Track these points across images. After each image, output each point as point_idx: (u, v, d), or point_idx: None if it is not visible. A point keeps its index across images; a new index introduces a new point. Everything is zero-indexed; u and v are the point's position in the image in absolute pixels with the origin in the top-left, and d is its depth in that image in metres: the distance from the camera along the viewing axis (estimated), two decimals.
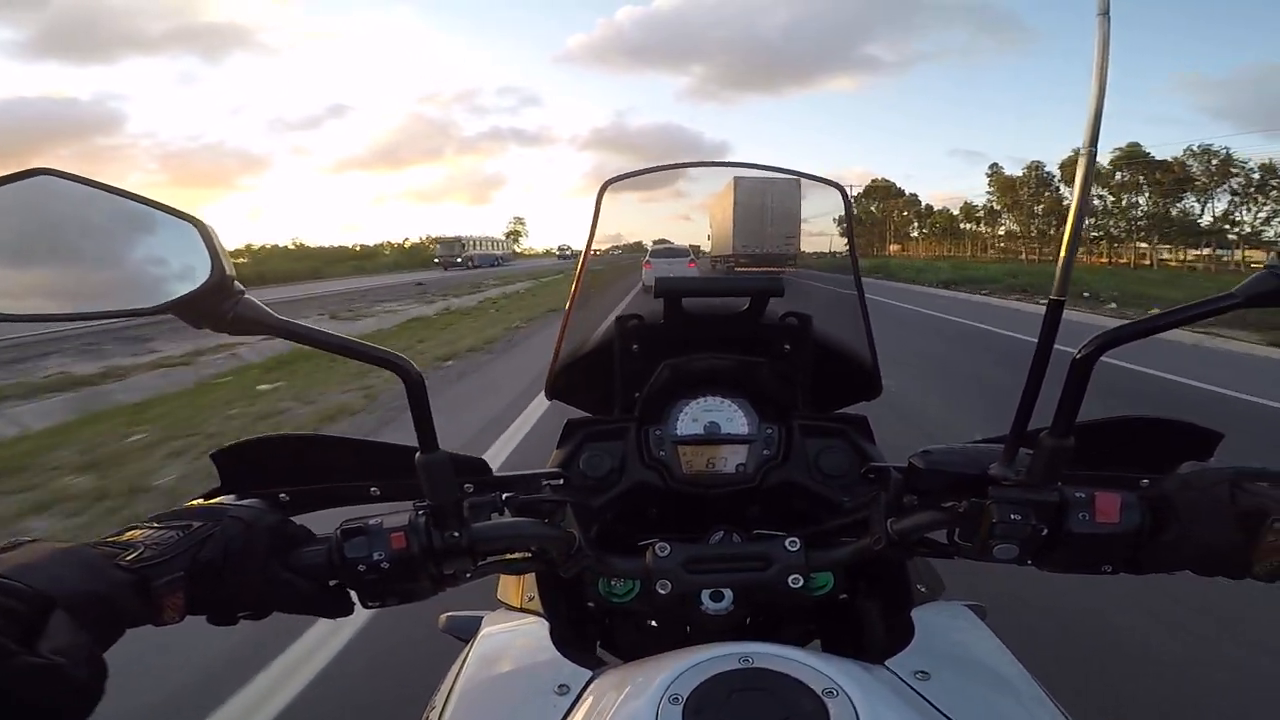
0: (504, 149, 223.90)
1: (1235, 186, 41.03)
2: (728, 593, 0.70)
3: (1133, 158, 43.87)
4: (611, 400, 0.90)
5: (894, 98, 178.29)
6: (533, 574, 0.75)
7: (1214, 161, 41.14)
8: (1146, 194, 44.68)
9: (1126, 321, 0.49)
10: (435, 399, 0.52)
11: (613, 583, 0.74)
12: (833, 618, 0.81)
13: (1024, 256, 53.10)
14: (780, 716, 0.45)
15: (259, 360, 7.63)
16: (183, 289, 0.46)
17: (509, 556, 0.63)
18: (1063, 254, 0.46)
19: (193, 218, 0.47)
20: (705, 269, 16.47)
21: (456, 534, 0.55)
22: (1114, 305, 14.49)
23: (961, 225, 65.24)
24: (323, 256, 60.87)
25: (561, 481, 0.75)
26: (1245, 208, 41.26)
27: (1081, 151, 0.44)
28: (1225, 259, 42.15)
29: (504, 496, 0.67)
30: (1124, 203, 46.01)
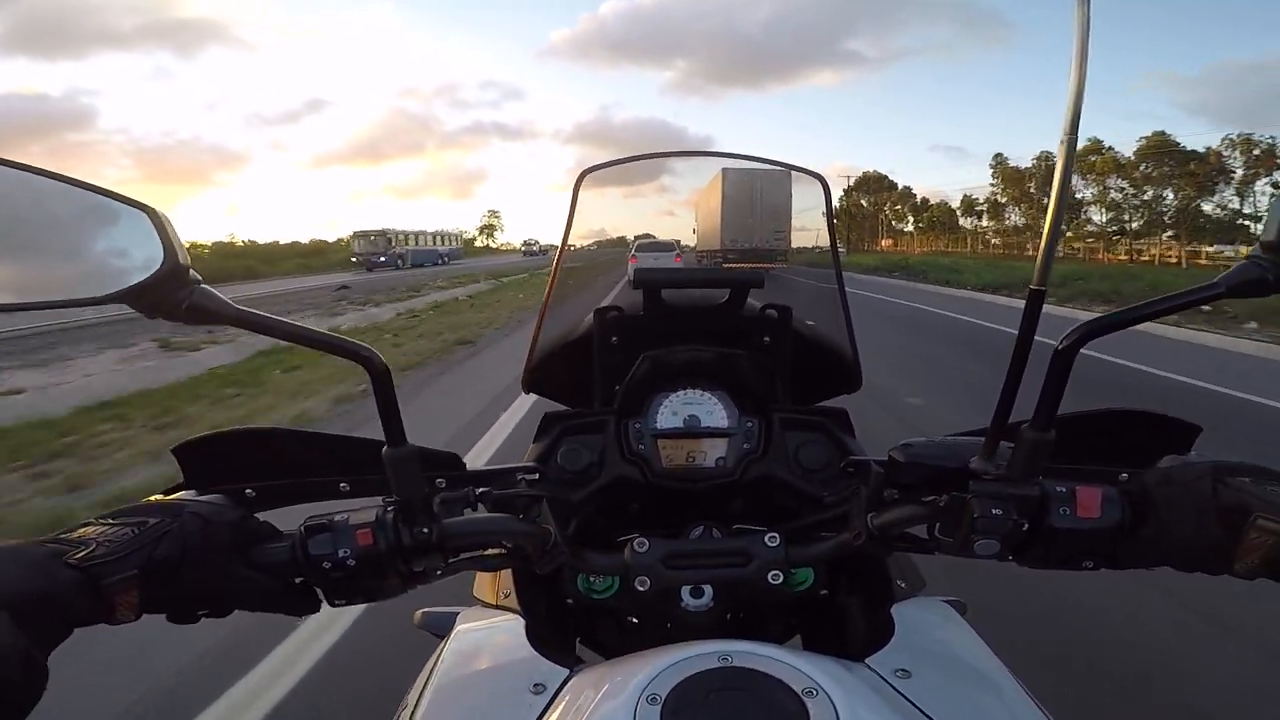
0: (486, 143, 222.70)
1: None
2: (708, 589, 0.69)
3: (1163, 148, 40.50)
4: (590, 393, 0.89)
5: (876, 93, 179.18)
6: (509, 571, 0.73)
7: (1256, 152, 37.44)
8: (1173, 187, 41.20)
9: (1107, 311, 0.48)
10: None
11: (592, 579, 0.73)
12: (813, 614, 0.81)
13: (1031, 253, 48.54)
14: (760, 717, 0.44)
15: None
16: (135, 278, 0.45)
17: (482, 553, 0.62)
18: (1043, 243, 0.45)
19: (145, 206, 0.46)
20: (691, 264, 16.30)
21: (426, 530, 0.54)
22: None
23: (960, 219, 62.01)
24: (266, 254, 49.09)
25: (537, 476, 0.74)
26: None
27: (1061, 139, 0.43)
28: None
29: (478, 492, 0.65)
30: (1148, 195, 42.52)
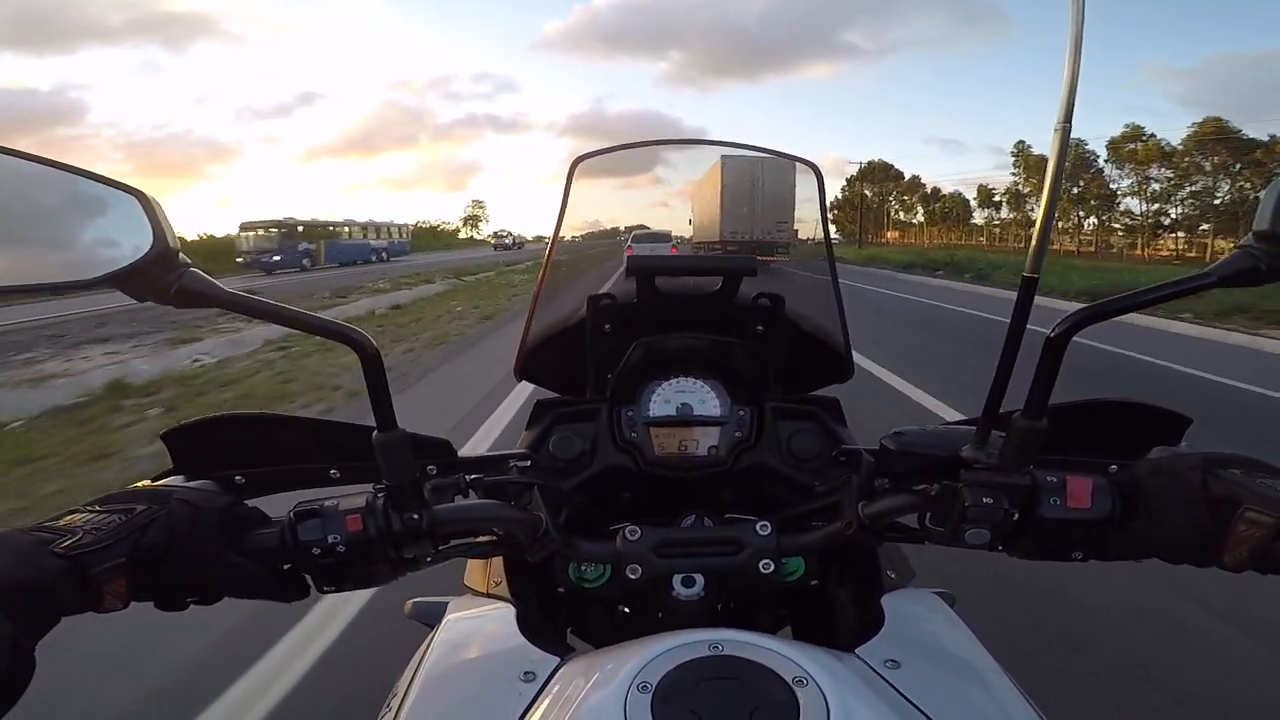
0: (480, 136, 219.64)
1: None
2: (699, 578, 0.69)
3: (1221, 134, 37.29)
4: (583, 381, 0.89)
5: (872, 85, 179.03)
6: (500, 559, 0.73)
7: None
8: (1230, 176, 38.09)
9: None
10: None
11: (583, 568, 0.73)
12: (804, 604, 0.81)
13: (1057, 246, 44.35)
14: (750, 705, 0.44)
15: None
16: (124, 261, 0.45)
17: (473, 540, 0.61)
18: (1036, 231, 0.45)
19: (135, 189, 0.46)
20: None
21: (416, 516, 0.53)
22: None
23: (976, 211, 59.05)
24: (211, 250, 33.45)
25: (529, 463, 0.74)
26: None
27: (1056, 127, 0.43)
28: None
29: (469, 478, 0.65)
30: (1197, 185, 39.31)
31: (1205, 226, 39.44)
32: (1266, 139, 36.89)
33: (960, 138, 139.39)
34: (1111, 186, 43.01)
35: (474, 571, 0.76)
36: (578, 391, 0.90)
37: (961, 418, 0.65)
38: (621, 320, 0.87)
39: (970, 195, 59.77)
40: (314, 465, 0.66)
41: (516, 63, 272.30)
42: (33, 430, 4.63)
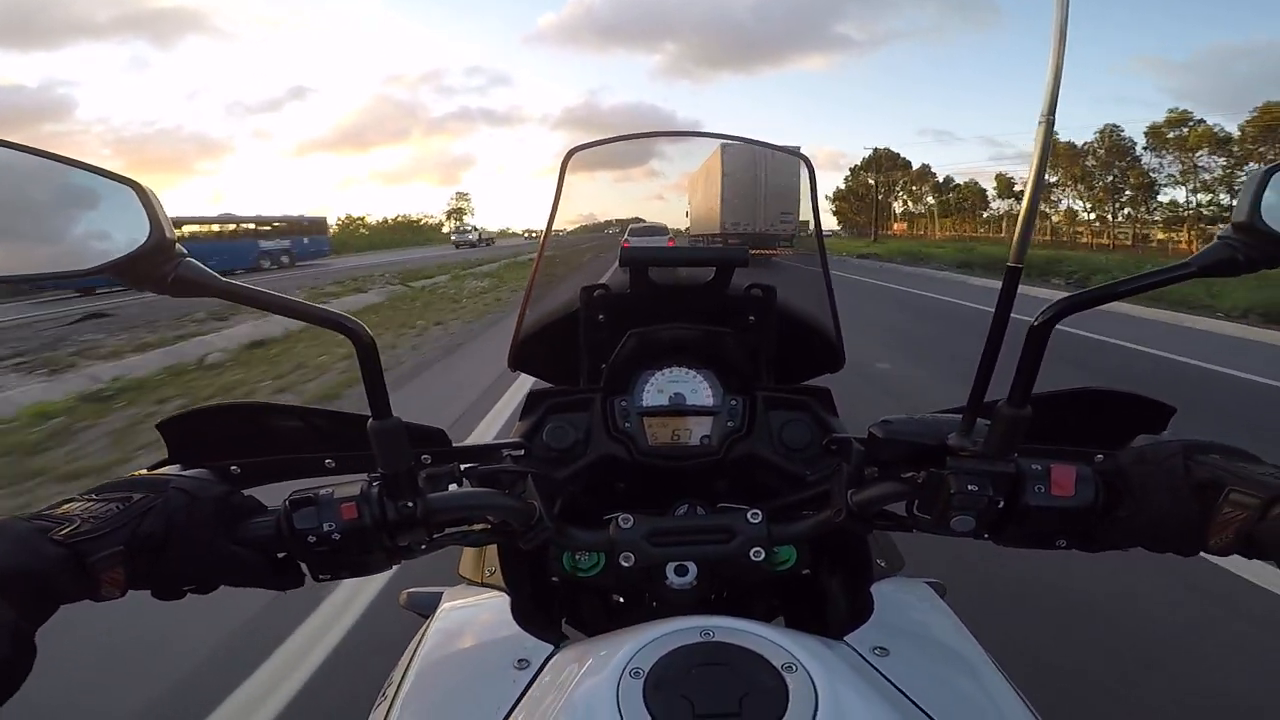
0: (473, 130, 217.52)
1: None
2: (692, 567, 0.70)
3: None
4: (576, 371, 0.90)
5: (865, 76, 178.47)
6: (495, 549, 0.74)
7: None
8: None
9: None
10: None
11: (577, 557, 0.74)
12: (797, 593, 0.82)
13: (1087, 241, 41.25)
14: (740, 691, 0.45)
15: None
16: (121, 251, 0.45)
17: (467, 528, 0.62)
18: (1020, 222, 0.45)
19: (131, 180, 0.46)
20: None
21: (410, 504, 0.54)
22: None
23: (993, 201, 54.09)
24: None
25: (523, 452, 0.74)
26: None
27: (1040, 119, 0.43)
28: None
29: (463, 467, 0.66)
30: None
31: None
32: None
33: (952, 128, 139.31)
34: (1152, 175, 40.05)
35: (469, 561, 0.77)
36: (571, 382, 0.90)
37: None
38: (615, 311, 0.88)
39: (955, 184, 57.02)
40: (309, 454, 0.66)
41: (510, 56, 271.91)
42: None
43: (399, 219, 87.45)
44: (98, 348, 7.39)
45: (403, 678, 0.57)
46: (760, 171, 17.81)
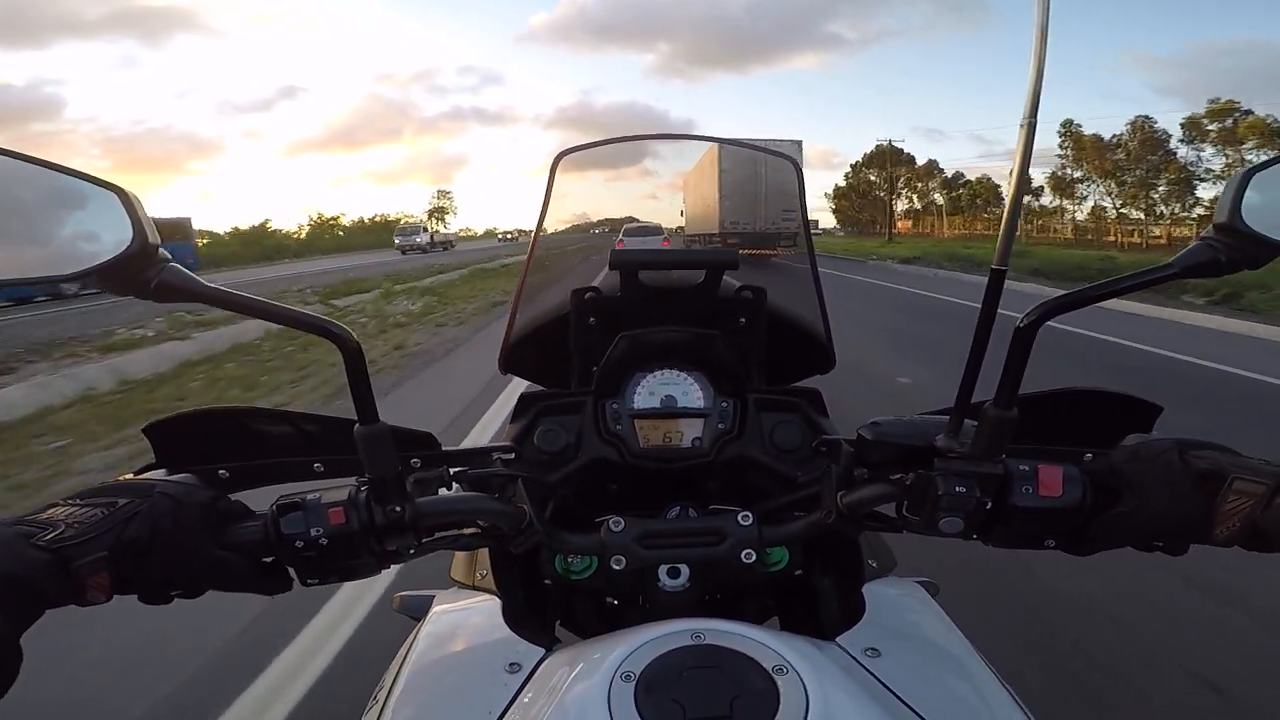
0: (465, 129, 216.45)
1: None
2: (684, 569, 0.70)
3: None
4: (567, 374, 0.90)
5: (857, 75, 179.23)
6: (487, 553, 0.74)
7: None
8: None
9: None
10: None
11: (570, 560, 0.73)
12: (789, 594, 0.82)
13: (1117, 240, 34.60)
14: (731, 694, 0.45)
15: None
16: (104, 256, 0.45)
17: (457, 533, 0.62)
18: (1003, 224, 0.45)
19: (114, 185, 0.46)
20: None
21: (399, 509, 0.53)
22: None
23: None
24: None
25: (513, 456, 0.74)
26: None
27: (1022, 123, 0.43)
28: None
29: (453, 471, 0.66)
30: None
31: None
32: None
33: (942, 127, 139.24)
34: (1190, 169, 36.73)
35: (460, 565, 0.77)
36: (562, 385, 0.90)
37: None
38: (606, 313, 0.88)
39: (966, 180, 53.91)
40: (297, 459, 0.66)
41: (503, 55, 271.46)
42: None
43: (376, 219, 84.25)
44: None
45: (394, 682, 0.57)
46: (760, 167, 16.85)
